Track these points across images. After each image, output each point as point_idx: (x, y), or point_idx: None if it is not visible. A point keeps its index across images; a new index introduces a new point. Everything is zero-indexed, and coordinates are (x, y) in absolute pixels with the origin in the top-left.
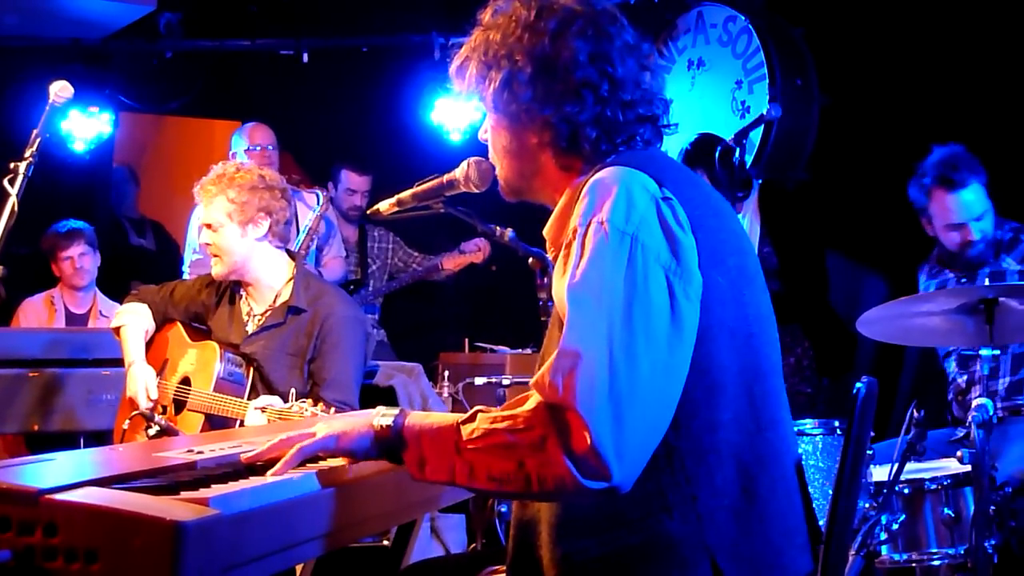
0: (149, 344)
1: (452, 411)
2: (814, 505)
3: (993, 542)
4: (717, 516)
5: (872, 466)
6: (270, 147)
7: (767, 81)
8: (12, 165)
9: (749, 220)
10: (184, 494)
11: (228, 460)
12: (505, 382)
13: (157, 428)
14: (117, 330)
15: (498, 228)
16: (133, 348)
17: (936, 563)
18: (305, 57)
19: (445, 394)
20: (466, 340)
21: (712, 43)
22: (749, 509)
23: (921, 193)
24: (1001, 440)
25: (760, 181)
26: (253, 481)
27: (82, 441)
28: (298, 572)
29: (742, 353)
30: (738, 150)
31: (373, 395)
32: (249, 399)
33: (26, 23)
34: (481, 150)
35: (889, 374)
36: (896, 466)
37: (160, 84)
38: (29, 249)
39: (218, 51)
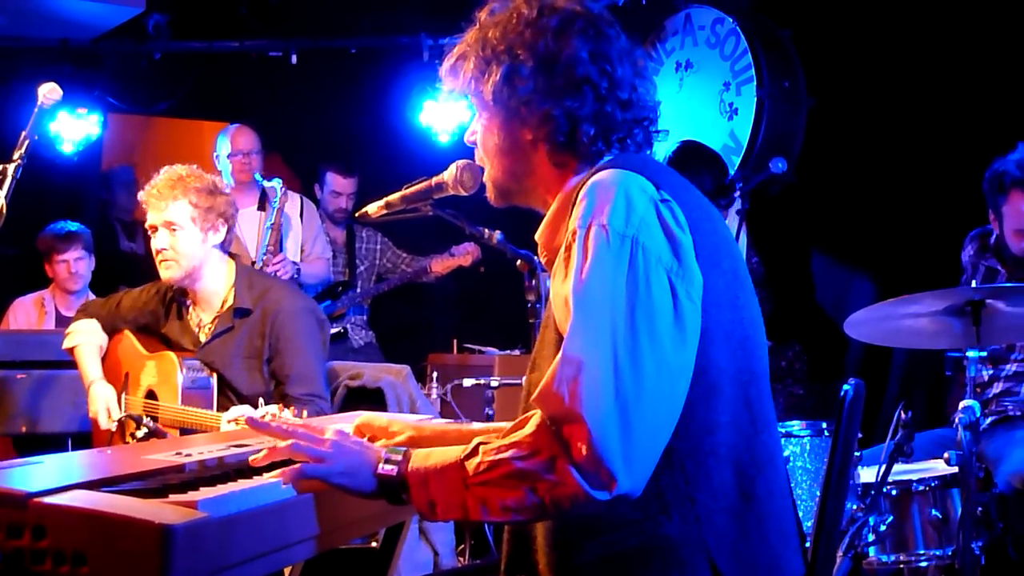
0: (103, 358)
1: (440, 413)
2: (802, 506)
3: (980, 543)
4: (716, 518)
5: (860, 467)
6: (253, 152)
7: (755, 83)
8: (1, 167)
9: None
10: (172, 497)
11: (216, 463)
12: (493, 383)
13: (145, 431)
14: (71, 350)
15: (486, 230)
16: (90, 367)
17: (924, 564)
18: (294, 59)
19: (434, 396)
20: (454, 341)
21: (700, 45)
22: (747, 511)
23: (996, 189)
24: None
25: (741, 186)
26: (241, 484)
27: (70, 443)
28: (286, 574)
29: (737, 356)
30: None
31: (361, 396)
32: (218, 402)
33: (15, 24)
34: (469, 152)
35: (877, 376)
36: (884, 467)
37: (149, 85)
38: (16, 250)
39: (207, 53)
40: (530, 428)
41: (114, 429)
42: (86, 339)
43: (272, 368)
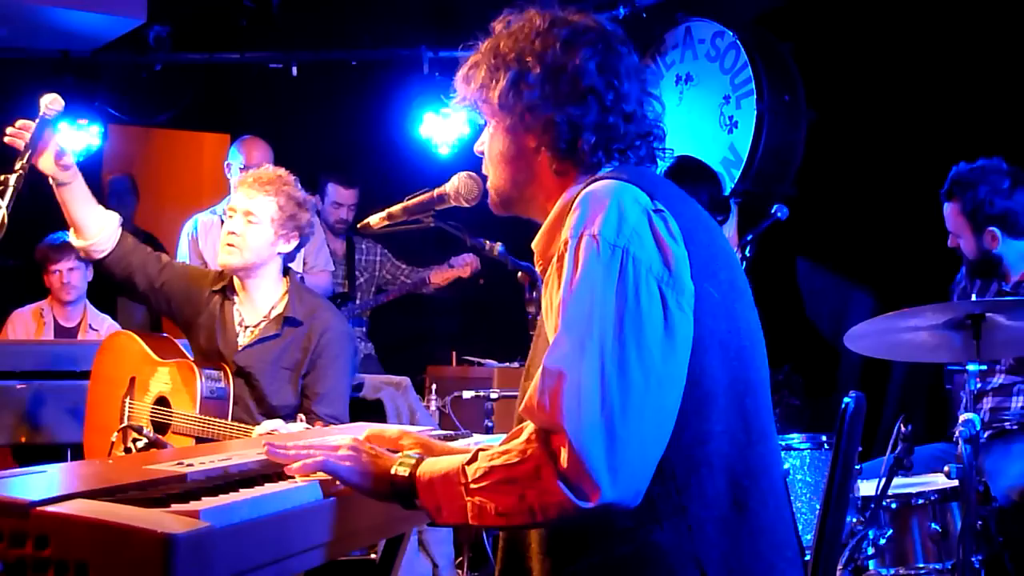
0: (103, 360)
1: (440, 425)
2: (802, 520)
3: (980, 557)
4: (707, 528)
5: (859, 481)
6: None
7: (755, 96)
8: (2, 178)
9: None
10: (175, 506)
11: (219, 472)
12: (493, 396)
13: (145, 441)
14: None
15: (487, 242)
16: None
17: None
18: (294, 70)
19: (432, 407)
20: (453, 354)
21: (700, 58)
22: (740, 521)
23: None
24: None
25: (738, 202)
26: (244, 493)
27: (69, 454)
28: None
29: (733, 366)
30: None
31: (361, 408)
32: (233, 410)
33: (16, 35)
34: (469, 164)
35: (876, 390)
36: (883, 481)
37: (149, 97)
38: (17, 261)
39: (207, 64)
40: (523, 436)
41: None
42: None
43: (305, 383)
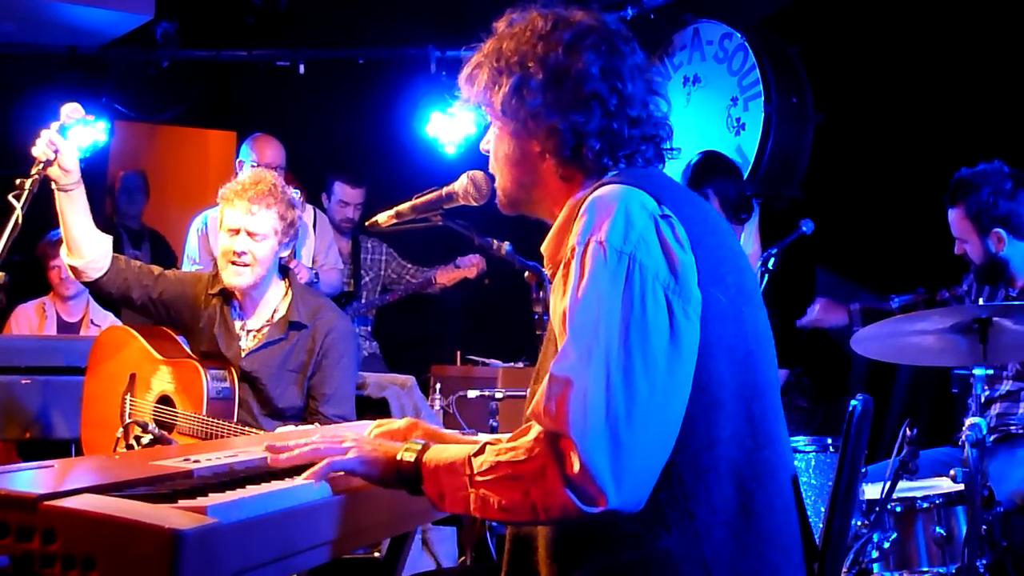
0: (103, 358)
1: (444, 424)
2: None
3: (985, 561)
4: (715, 533)
5: (865, 484)
6: (279, 167)
7: (762, 98)
8: (18, 182)
9: (751, 241)
10: (182, 502)
11: (225, 469)
12: (498, 395)
13: (151, 437)
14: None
15: (495, 241)
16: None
17: None
18: (301, 68)
19: (437, 407)
20: (458, 353)
21: (708, 60)
22: (747, 526)
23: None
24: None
25: (760, 202)
26: (251, 490)
27: (73, 449)
28: None
29: (740, 370)
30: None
31: (366, 406)
32: (238, 414)
33: (24, 31)
34: (476, 163)
35: (882, 393)
36: (888, 484)
37: (156, 93)
38: (23, 256)
39: (214, 61)
40: (531, 435)
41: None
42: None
43: (311, 384)
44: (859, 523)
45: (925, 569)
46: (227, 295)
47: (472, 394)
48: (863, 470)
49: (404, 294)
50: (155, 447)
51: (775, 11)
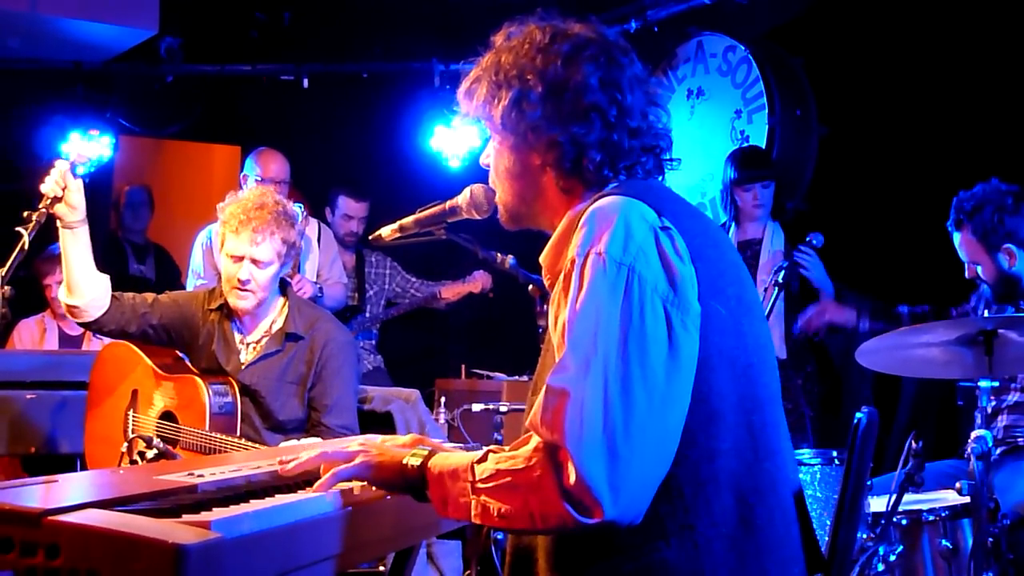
0: (103, 371)
1: (448, 438)
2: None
3: (990, 574)
4: (714, 545)
5: (870, 497)
6: (283, 182)
7: (766, 111)
8: (26, 214)
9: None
10: (186, 517)
11: (229, 483)
12: (502, 409)
13: (155, 452)
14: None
15: (499, 255)
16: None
17: None
18: (305, 83)
19: (441, 420)
20: (463, 367)
21: (712, 72)
22: (746, 539)
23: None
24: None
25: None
26: (255, 504)
27: (78, 464)
28: None
29: (741, 383)
30: None
31: (370, 421)
32: (241, 426)
33: (28, 46)
34: (480, 177)
35: (887, 406)
36: (894, 497)
37: (161, 108)
38: (26, 272)
39: (219, 76)
40: (531, 444)
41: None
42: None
43: (312, 396)
44: (865, 536)
45: None
46: (226, 309)
47: (476, 408)
48: (869, 483)
49: (409, 308)
50: (159, 462)
51: (779, 23)
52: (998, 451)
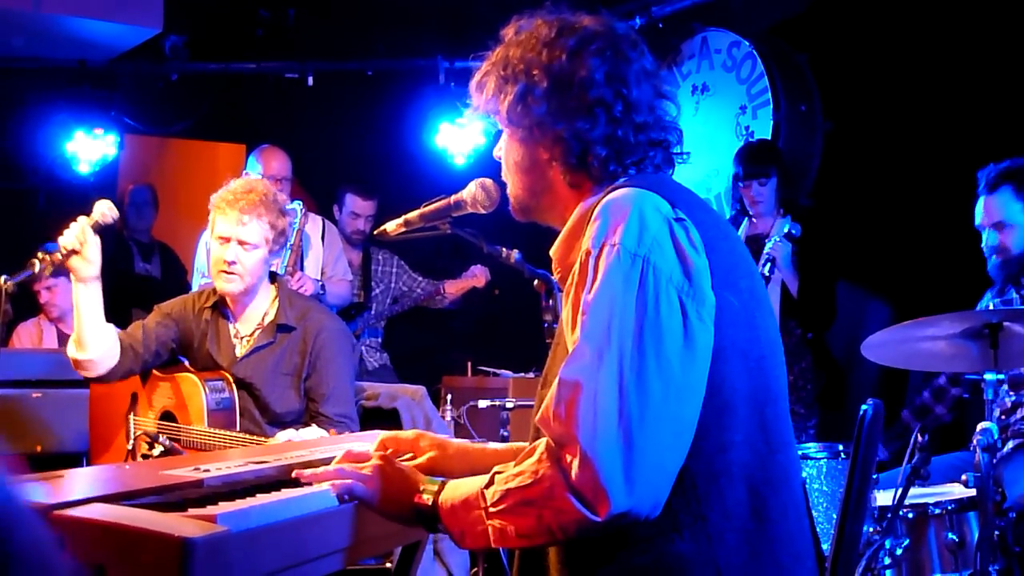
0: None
1: (455, 434)
2: (819, 529)
3: (997, 567)
4: (727, 537)
5: (876, 490)
6: (285, 179)
7: (771, 106)
8: (40, 256)
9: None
10: (192, 511)
11: (235, 478)
12: (508, 405)
13: (161, 448)
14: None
15: (504, 249)
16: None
17: None
18: (310, 80)
19: (448, 418)
20: (469, 364)
21: (716, 68)
22: (760, 531)
23: None
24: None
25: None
26: (261, 499)
27: (84, 462)
28: None
29: (753, 375)
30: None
31: (377, 417)
32: (240, 422)
33: (32, 45)
34: (485, 174)
35: (894, 399)
36: (900, 490)
37: (165, 106)
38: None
39: (223, 74)
40: (535, 456)
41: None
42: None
43: (308, 386)
44: (871, 530)
45: (938, 575)
46: (220, 306)
47: (483, 404)
48: (875, 476)
49: (414, 305)
50: (166, 458)
51: (783, 19)
52: (1012, 444)
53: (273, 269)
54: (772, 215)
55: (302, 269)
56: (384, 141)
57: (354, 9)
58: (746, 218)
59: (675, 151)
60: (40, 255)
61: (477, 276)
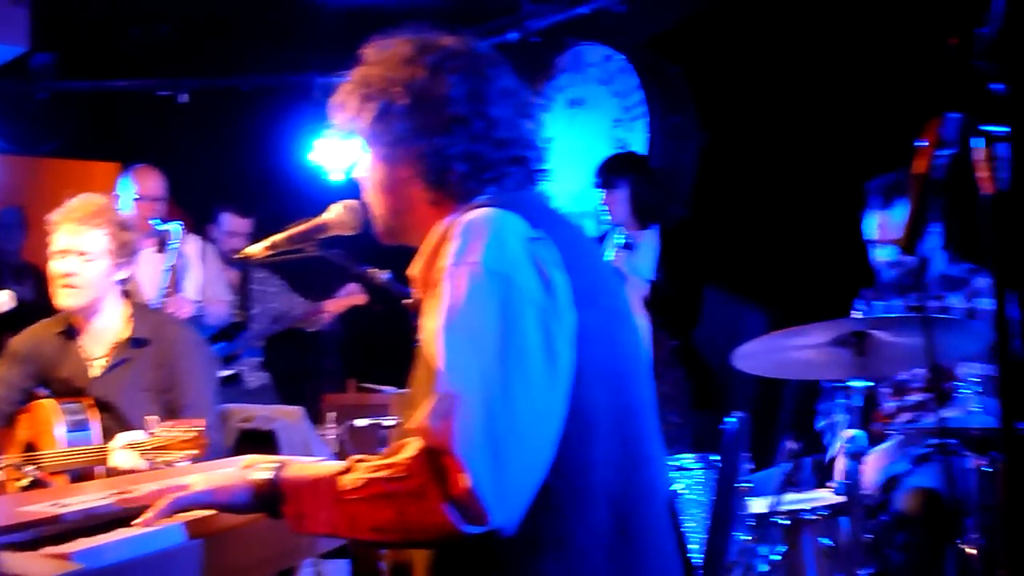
0: None
1: (337, 455)
2: (695, 539)
3: (870, 571)
4: (592, 555)
5: (752, 497)
6: (160, 199)
7: (646, 119)
8: None
9: (647, 260)
10: (46, 549)
11: (94, 512)
12: (386, 423)
13: (29, 481)
14: None
15: (372, 270)
16: None
17: None
18: (185, 97)
19: (331, 436)
20: (352, 382)
21: (591, 82)
22: (624, 548)
23: None
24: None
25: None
26: (119, 534)
27: None
28: None
29: (614, 392)
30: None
31: (254, 440)
32: (104, 441)
33: None
34: (360, 192)
35: (771, 407)
36: (774, 498)
37: (35, 126)
38: None
39: (95, 92)
40: (408, 452)
41: None
42: None
43: (168, 399)
44: (747, 538)
45: None
46: (71, 331)
47: (361, 423)
48: (750, 484)
49: (293, 324)
50: (27, 492)
51: (657, 32)
52: (895, 441)
53: (128, 288)
54: (628, 224)
55: (180, 291)
56: (260, 159)
57: (228, 26)
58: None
59: (537, 168)
60: None
61: (358, 294)
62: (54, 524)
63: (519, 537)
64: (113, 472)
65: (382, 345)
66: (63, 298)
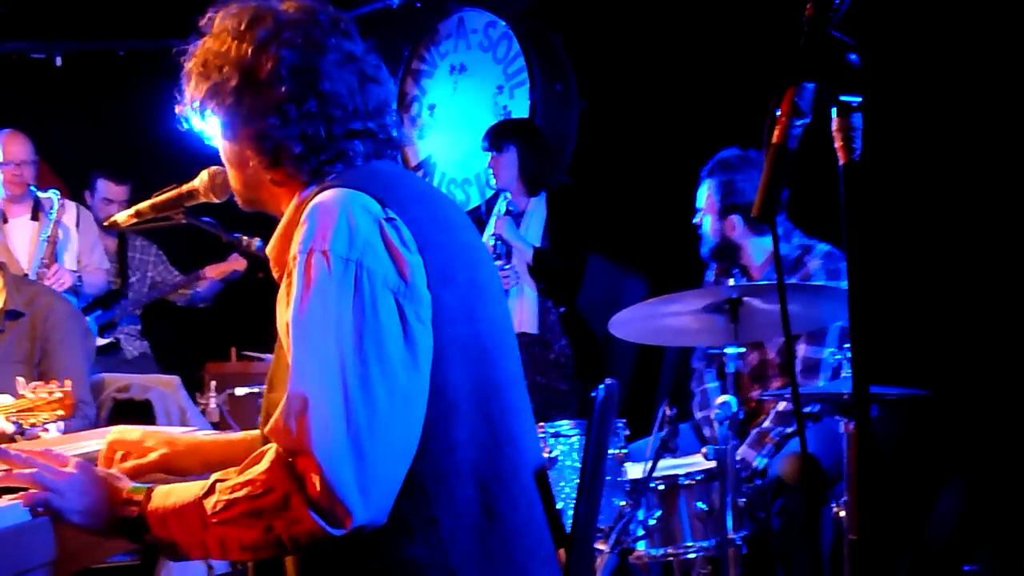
0: None
1: (218, 424)
2: (572, 506)
3: (744, 534)
4: (459, 537)
5: (628, 463)
6: (27, 163)
7: (528, 86)
8: None
9: (537, 227)
10: None
11: None
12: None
13: None
14: None
15: (245, 238)
16: None
17: (692, 556)
18: (58, 61)
19: (213, 405)
20: (232, 350)
21: (473, 48)
22: (490, 528)
23: None
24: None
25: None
26: None
27: None
28: None
29: (476, 370)
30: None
31: (129, 410)
32: None
33: None
34: None
35: (651, 373)
36: (650, 463)
37: None
38: None
39: None
40: (264, 464)
41: None
42: None
43: (40, 371)
44: (623, 503)
45: (689, 544)
46: None
47: (240, 392)
48: (625, 450)
49: (172, 291)
50: None
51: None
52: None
53: (2, 259)
54: (514, 189)
55: (59, 262)
56: (137, 124)
57: None
58: (503, 193)
59: (389, 136)
60: None
61: (237, 259)
62: None
63: (386, 523)
64: None
65: (264, 313)
66: None
